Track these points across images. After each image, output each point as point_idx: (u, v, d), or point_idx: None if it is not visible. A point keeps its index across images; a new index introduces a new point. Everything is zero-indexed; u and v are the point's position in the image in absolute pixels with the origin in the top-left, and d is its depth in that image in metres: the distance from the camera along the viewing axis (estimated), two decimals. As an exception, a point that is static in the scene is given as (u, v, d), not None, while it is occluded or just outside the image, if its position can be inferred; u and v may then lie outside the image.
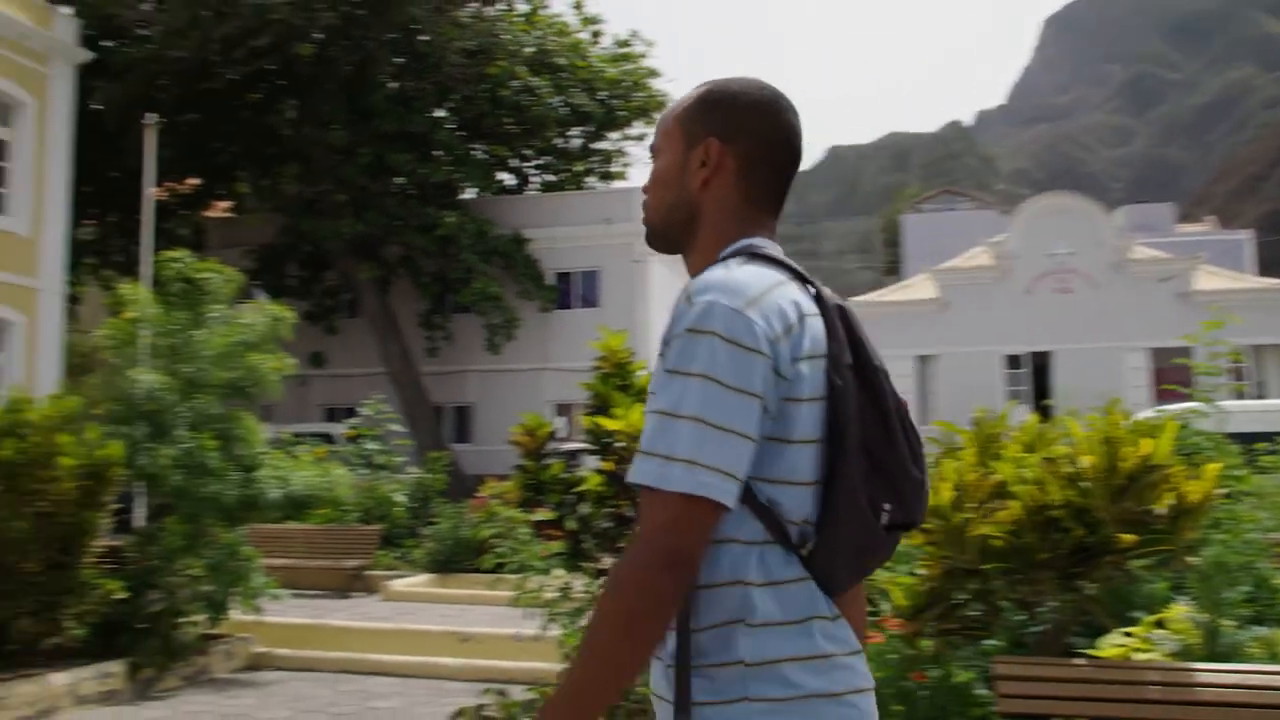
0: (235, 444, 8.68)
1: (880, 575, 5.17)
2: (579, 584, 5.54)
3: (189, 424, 8.55)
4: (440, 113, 28.76)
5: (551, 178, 33.63)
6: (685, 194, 1.77)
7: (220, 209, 33.14)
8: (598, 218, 29.07)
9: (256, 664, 8.84)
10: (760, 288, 1.58)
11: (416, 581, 13.49)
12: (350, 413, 27.98)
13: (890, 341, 32.30)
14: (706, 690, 1.55)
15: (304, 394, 29.60)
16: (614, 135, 32.47)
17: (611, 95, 30.31)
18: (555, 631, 5.65)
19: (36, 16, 22.01)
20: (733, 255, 1.68)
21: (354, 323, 29.03)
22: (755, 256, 1.66)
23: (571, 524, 5.20)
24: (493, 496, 12.24)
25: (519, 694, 4.40)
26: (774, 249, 1.71)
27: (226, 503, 8.40)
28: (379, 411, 18.76)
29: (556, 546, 5.41)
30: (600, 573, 5.22)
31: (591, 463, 5.33)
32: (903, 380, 32.28)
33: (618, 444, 5.00)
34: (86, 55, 23.19)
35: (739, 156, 1.74)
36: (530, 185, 33.81)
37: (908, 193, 78.67)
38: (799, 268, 1.69)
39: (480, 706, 4.19)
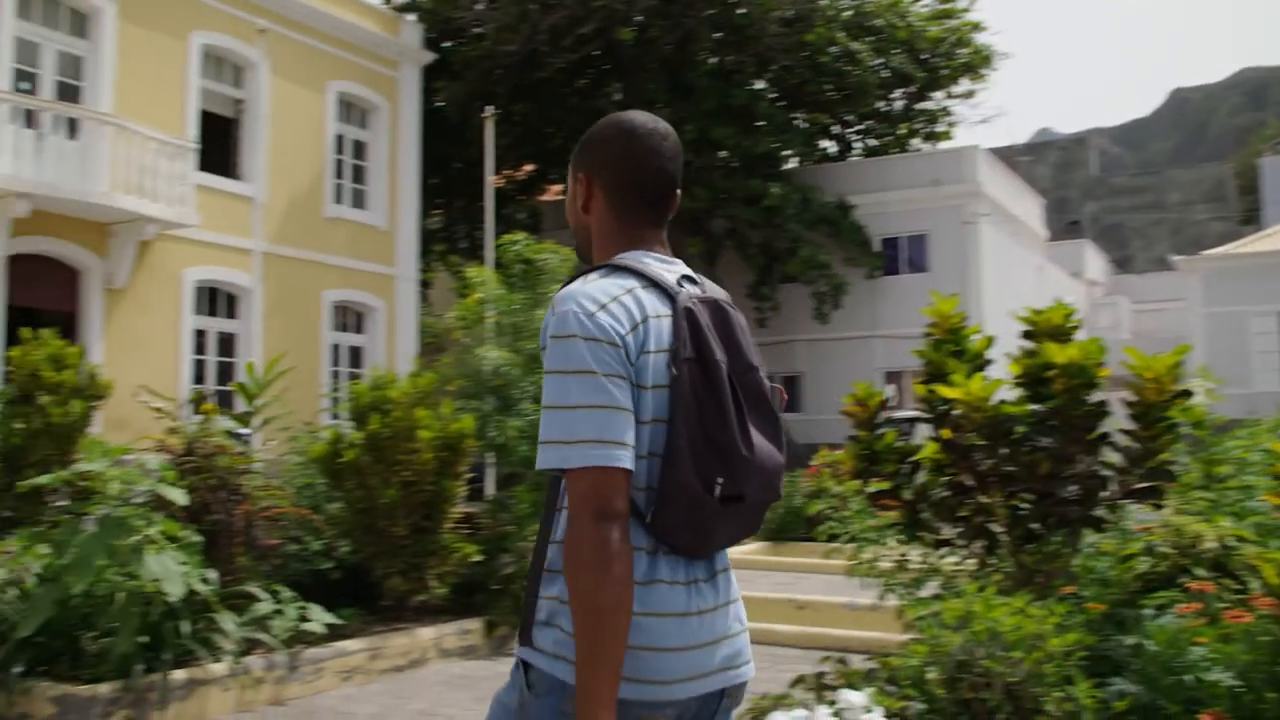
0: (575, 416, 9.06)
1: (1248, 550, 4.79)
2: (916, 554, 5.44)
3: (532, 397, 9.02)
4: (760, 84, 28.86)
5: (874, 142, 33.06)
6: (579, 219, 2.14)
7: (554, 192, 34.68)
8: (924, 180, 28.36)
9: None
10: (608, 295, 1.91)
11: (749, 549, 13.66)
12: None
13: (1249, 296, 29.74)
14: (538, 613, 1.91)
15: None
16: (938, 95, 31.51)
17: (934, 54, 29.41)
18: (892, 602, 5.59)
19: (386, 25, 23.71)
20: (595, 269, 2.00)
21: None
22: (614, 269, 1.98)
23: (908, 494, 5.11)
24: (825, 466, 12.22)
25: (858, 663, 4.38)
26: (638, 259, 2.00)
27: (569, 472, 8.79)
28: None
29: (893, 517, 5.33)
30: (940, 543, 5.11)
31: (926, 431, 5.22)
32: (1264, 339, 29.65)
33: (954, 412, 4.86)
34: (430, 57, 24.76)
35: (603, 186, 2.09)
36: (853, 151, 33.37)
37: (1266, 133, 71.78)
38: (659, 275, 1.97)
39: (820, 674, 4.20)
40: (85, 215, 17.31)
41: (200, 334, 19.78)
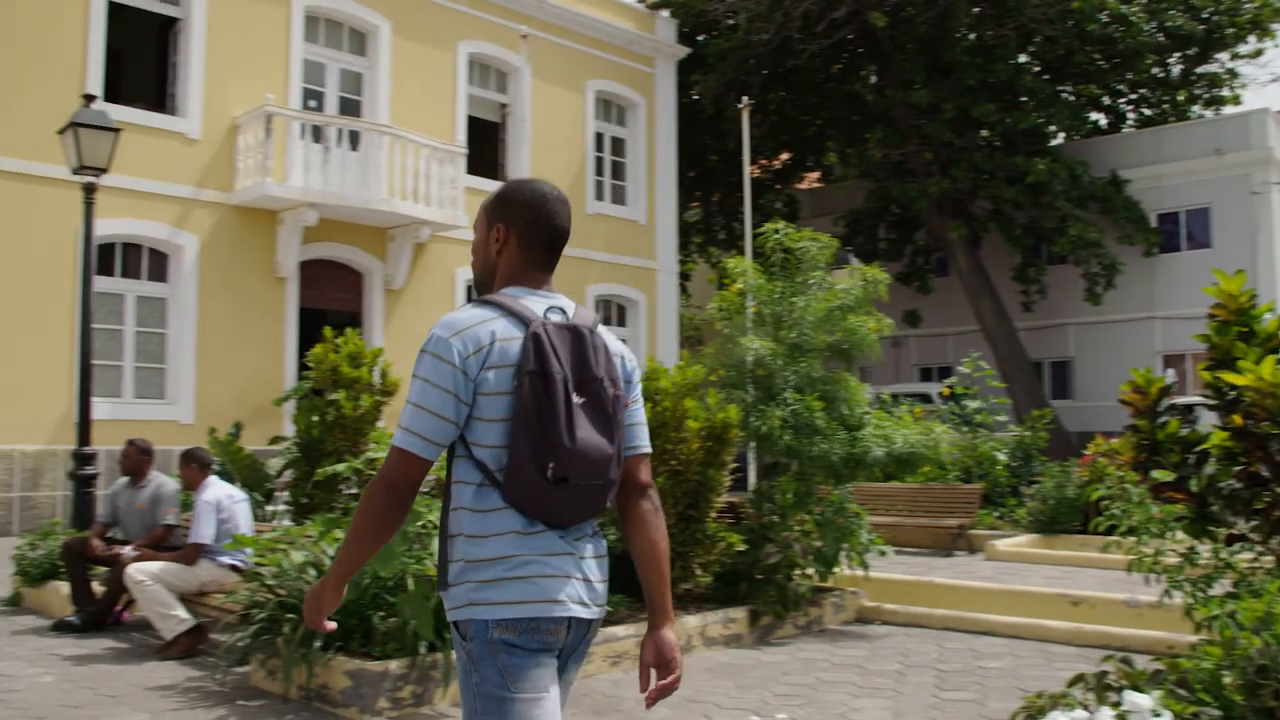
0: (839, 404, 8.99)
1: None
2: (1205, 549, 5.13)
3: (795, 387, 8.99)
4: (1023, 58, 27.68)
5: (1149, 111, 31.12)
6: (489, 260, 2.70)
7: (810, 180, 34.43)
8: (1206, 149, 26.53)
9: (864, 617, 9.12)
10: (468, 323, 2.48)
11: (1019, 541, 13.21)
12: (945, 372, 27.98)
13: None
14: (450, 575, 2.50)
15: (899, 354, 30.03)
16: (1221, 56, 29.36)
17: (1215, 12, 27.37)
18: (1177, 600, 5.28)
19: (641, 23, 24.13)
20: (471, 301, 2.61)
21: (946, 281, 28.88)
22: (484, 303, 2.57)
23: (1195, 485, 4.81)
24: (1101, 455, 11.66)
25: (1142, 663, 4.17)
26: (510, 295, 2.60)
27: (833, 461, 8.73)
28: (976, 369, 18.54)
29: (1177, 509, 5.03)
30: (1232, 539, 4.79)
31: (1211, 418, 4.90)
32: None
33: (1244, 399, 4.55)
34: (684, 51, 25.04)
35: (519, 235, 2.66)
36: (1126, 122, 31.56)
37: None
38: (522, 308, 2.53)
39: (1101, 674, 4.01)
40: (366, 221, 18.44)
41: (472, 330, 20.72)
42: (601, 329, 2.64)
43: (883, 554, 8.97)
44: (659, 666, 2.64)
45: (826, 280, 9.40)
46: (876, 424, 9.09)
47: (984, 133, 26.44)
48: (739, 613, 8.09)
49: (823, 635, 8.48)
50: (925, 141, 25.92)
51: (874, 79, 29.14)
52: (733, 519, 8.91)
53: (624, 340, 23.17)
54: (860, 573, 8.86)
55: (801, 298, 9.25)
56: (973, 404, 17.41)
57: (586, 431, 2.45)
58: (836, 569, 8.68)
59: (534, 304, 2.58)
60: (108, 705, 6.03)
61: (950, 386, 19.32)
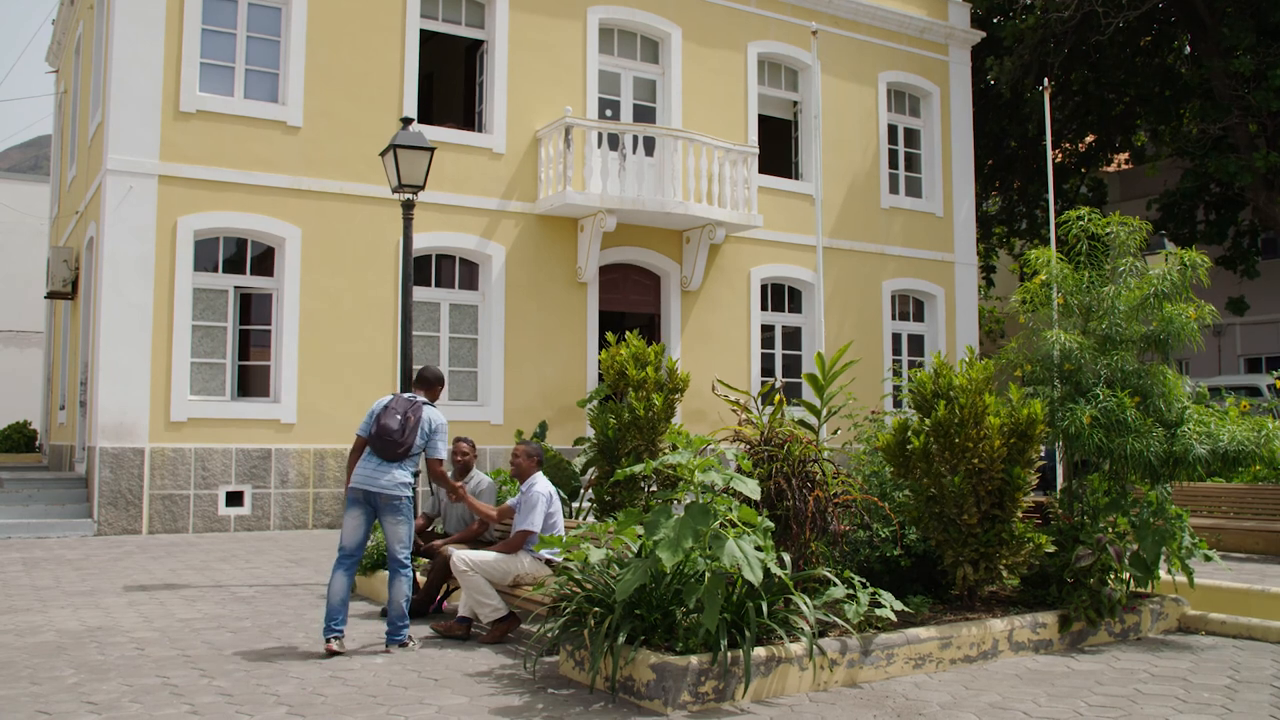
0: (1155, 399, 8.46)
1: None
2: None
3: (1105, 381, 8.54)
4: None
5: None
6: None
7: (1119, 162, 32.56)
8: None
9: (1188, 627, 8.54)
10: (378, 400, 7.89)
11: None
12: (1275, 362, 25.80)
13: None
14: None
15: (1222, 344, 27.98)
16: None
17: None
18: None
19: (932, 9, 23.57)
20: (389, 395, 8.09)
21: (1275, 264, 26.65)
22: (394, 394, 7.95)
23: None
24: None
25: None
26: (398, 394, 7.95)
27: (1150, 459, 8.23)
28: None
29: None
30: None
31: None
32: None
33: None
34: (979, 36, 24.23)
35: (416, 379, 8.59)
36: None
37: None
38: (396, 395, 7.90)
39: None
40: (662, 224, 18.86)
41: (766, 328, 20.80)
42: (425, 406, 7.75)
43: (1208, 559, 8.37)
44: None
45: (1138, 266, 8.86)
46: (1198, 419, 8.49)
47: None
48: (1048, 617, 7.76)
49: (1141, 644, 8.01)
50: (1249, 113, 23.93)
51: (1188, 49, 27.19)
52: (1040, 519, 8.54)
53: (920, 337, 22.69)
54: (1182, 579, 8.30)
55: (1112, 286, 8.76)
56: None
57: (388, 420, 7.55)
58: (1156, 574, 8.16)
59: (407, 394, 7.83)
60: (430, 688, 6.44)
61: (1283, 378, 17.78)
